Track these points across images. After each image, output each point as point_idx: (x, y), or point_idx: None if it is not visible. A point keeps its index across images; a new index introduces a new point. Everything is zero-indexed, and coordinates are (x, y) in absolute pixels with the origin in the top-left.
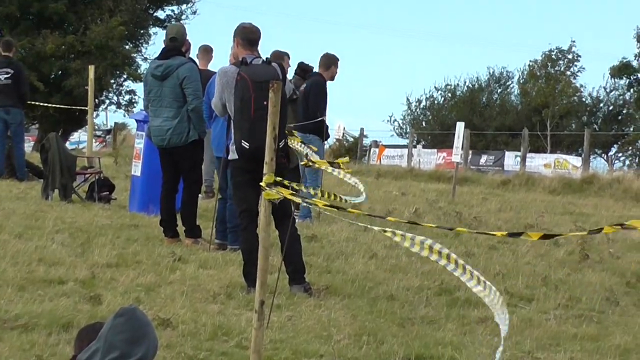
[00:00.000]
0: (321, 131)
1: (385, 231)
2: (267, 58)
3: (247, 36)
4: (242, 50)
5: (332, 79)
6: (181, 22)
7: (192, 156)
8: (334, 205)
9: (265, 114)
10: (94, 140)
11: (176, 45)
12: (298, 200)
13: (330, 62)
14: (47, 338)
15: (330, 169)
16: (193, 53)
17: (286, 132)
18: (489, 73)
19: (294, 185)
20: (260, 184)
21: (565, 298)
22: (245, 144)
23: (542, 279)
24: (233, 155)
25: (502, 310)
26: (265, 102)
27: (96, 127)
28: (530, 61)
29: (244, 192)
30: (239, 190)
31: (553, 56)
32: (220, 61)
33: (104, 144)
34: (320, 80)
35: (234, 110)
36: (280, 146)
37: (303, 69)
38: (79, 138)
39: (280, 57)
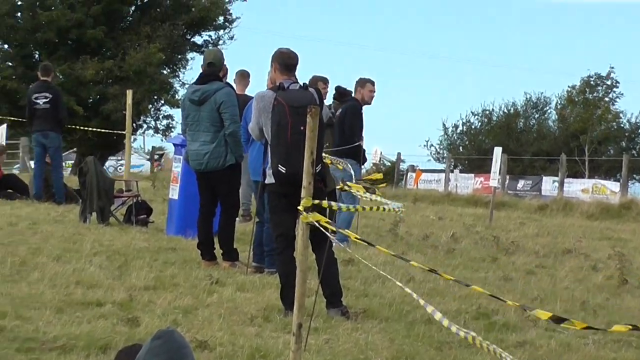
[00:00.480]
0: (358, 155)
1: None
2: (304, 83)
3: (285, 61)
4: (280, 75)
5: (367, 102)
6: (218, 47)
7: (229, 180)
8: (365, 240)
9: (301, 139)
10: (149, 163)
11: (214, 71)
12: (332, 228)
13: (358, 85)
14: None
15: (366, 196)
16: (230, 78)
17: (328, 155)
18: (526, 98)
19: (333, 204)
20: (298, 207)
21: (605, 323)
22: (282, 169)
23: (581, 303)
24: (270, 179)
25: None
26: (302, 127)
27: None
28: (568, 87)
29: (280, 216)
30: (275, 215)
31: (592, 82)
32: (257, 86)
33: (160, 167)
34: (355, 104)
35: (270, 135)
36: (317, 171)
37: (341, 93)
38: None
39: (317, 82)
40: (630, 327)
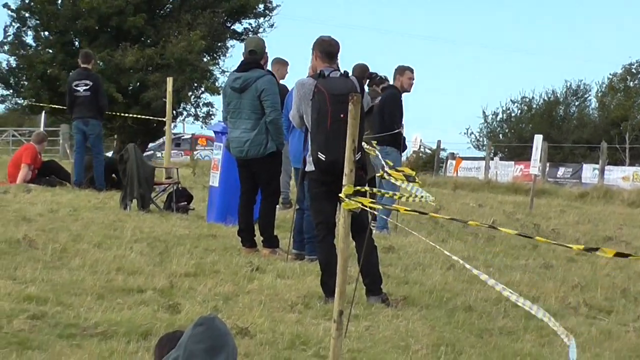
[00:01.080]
0: (398, 143)
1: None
2: (345, 71)
3: (326, 49)
4: (321, 63)
5: (406, 89)
6: (259, 35)
7: (270, 168)
8: (416, 210)
9: (341, 126)
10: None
11: (255, 58)
12: (379, 207)
13: (397, 72)
14: (126, 346)
15: (404, 185)
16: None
17: (364, 143)
18: (566, 86)
19: (374, 190)
20: (340, 195)
21: None
22: (322, 156)
23: (622, 291)
24: (310, 167)
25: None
26: (342, 115)
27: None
28: (609, 74)
29: (320, 204)
30: (316, 202)
31: (633, 70)
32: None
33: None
34: (394, 92)
35: (310, 123)
36: (356, 159)
37: (373, 80)
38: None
39: (364, 70)
40: None
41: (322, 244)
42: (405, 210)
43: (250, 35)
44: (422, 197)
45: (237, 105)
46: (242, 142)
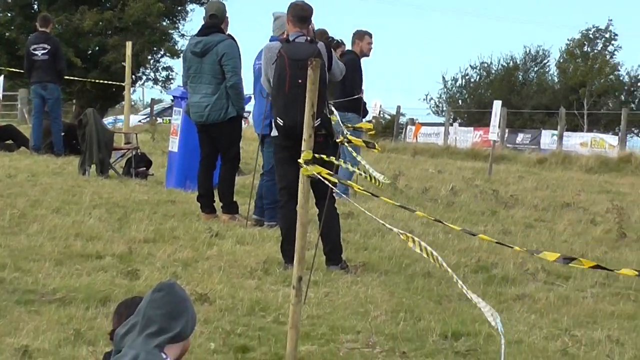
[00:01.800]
0: (359, 108)
1: (401, 233)
2: (311, 37)
3: (298, 13)
4: (292, 27)
5: (366, 54)
6: None
7: (230, 133)
8: (369, 191)
9: (299, 92)
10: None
11: (216, 23)
12: (334, 180)
13: (356, 37)
14: (85, 312)
15: (363, 161)
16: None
17: (326, 110)
18: (525, 51)
19: (333, 160)
20: (298, 160)
21: (602, 276)
22: (280, 121)
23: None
24: (273, 132)
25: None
26: (300, 81)
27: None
28: (568, 40)
29: (284, 169)
30: (279, 167)
31: (590, 35)
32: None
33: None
34: (353, 57)
35: (272, 87)
36: (315, 125)
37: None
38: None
39: (322, 35)
40: (637, 272)
41: (284, 209)
42: (359, 189)
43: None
44: (376, 179)
45: (198, 69)
46: (203, 107)
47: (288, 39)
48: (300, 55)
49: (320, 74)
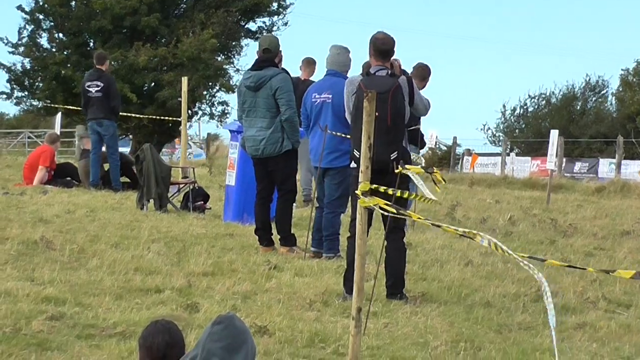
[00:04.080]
0: (416, 140)
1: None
2: (391, 71)
3: (378, 47)
4: (374, 60)
5: (421, 87)
6: (273, 33)
7: (285, 166)
8: (429, 219)
9: (376, 125)
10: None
11: (269, 57)
12: (392, 210)
13: (425, 73)
14: None
15: (420, 184)
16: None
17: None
18: (585, 81)
19: (389, 191)
20: (356, 192)
21: None
22: (357, 153)
23: None
24: (353, 164)
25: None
26: (377, 114)
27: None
28: (622, 69)
29: (357, 201)
30: (353, 199)
31: None
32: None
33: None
34: None
35: (351, 120)
36: (392, 158)
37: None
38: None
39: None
40: None
41: (353, 239)
42: (418, 218)
43: (264, 34)
44: (426, 199)
45: (252, 103)
46: (258, 141)
47: (369, 72)
48: (379, 89)
49: (397, 108)
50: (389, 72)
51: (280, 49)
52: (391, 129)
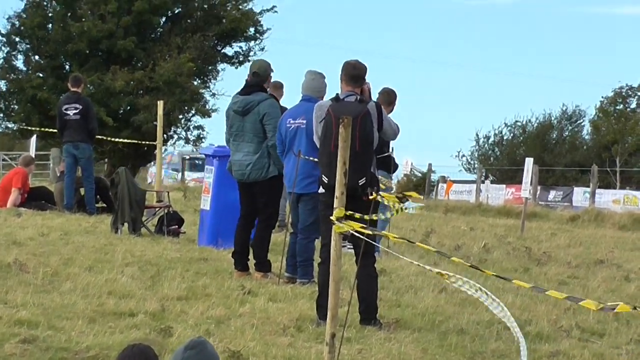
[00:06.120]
0: (389, 165)
1: (441, 274)
2: (360, 97)
3: (350, 72)
4: (344, 85)
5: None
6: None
7: (270, 191)
8: (404, 238)
9: None
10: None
11: (258, 81)
12: (369, 232)
13: (391, 98)
14: None
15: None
16: None
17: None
18: (562, 110)
19: (365, 217)
20: (331, 217)
21: (638, 333)
22: (325, 179)
23: (614, 314)
24: (320, 189)
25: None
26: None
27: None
28: (602, 97)
29: (327, 226)
30: (323, 224)
31: (623, 93)
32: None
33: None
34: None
35: (319, 145)
36: (361, 184)
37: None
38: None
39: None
40: None
41: (324, 265)
42: (394, 237)
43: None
44: (405, 209)
45: (240, 128)
46: (244, 166)
47: (337, 97)
48: (347, 114)
49: (366, 134)
50: (358, 98)
51: (270, 73)
52: (359, 155)
